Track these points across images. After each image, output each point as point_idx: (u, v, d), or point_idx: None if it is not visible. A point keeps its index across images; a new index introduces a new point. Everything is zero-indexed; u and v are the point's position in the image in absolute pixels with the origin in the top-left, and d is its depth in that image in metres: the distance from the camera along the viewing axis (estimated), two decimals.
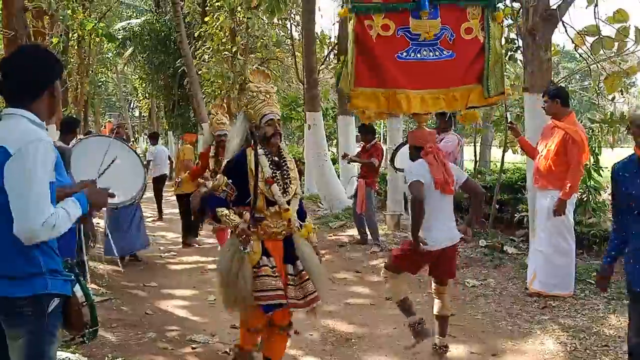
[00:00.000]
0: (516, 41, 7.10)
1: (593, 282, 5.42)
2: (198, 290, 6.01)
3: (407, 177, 3.67)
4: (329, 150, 10.96)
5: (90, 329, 2.33)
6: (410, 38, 3.67)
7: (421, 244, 3.54)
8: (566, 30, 6.31)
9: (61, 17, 10.24)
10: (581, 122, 6.67)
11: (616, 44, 6.06)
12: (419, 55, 3.68)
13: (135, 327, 4.69)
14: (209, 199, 3.36)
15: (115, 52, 25.23)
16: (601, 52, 6.43)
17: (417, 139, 3.76)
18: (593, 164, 6.52)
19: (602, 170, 6.87)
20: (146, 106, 33.69)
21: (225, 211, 3.22)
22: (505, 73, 4.30)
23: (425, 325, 3.83)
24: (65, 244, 2.31)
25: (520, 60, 6.89)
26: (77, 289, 2.31)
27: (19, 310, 2.13)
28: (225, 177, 3.28)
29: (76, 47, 18.74)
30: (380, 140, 10.34)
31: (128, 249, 7.10)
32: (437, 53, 3.72)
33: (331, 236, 8.29)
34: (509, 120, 6.90)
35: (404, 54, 3.68)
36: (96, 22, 11.33)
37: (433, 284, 3.94)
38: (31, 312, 2.13)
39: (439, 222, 3.66)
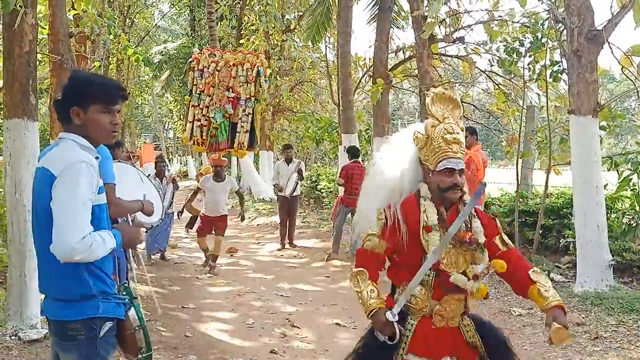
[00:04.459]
0: (560, 63, 6.96)
1: None
2: (236, 313, 5.96)
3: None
4: None
5: (145, 354, 2.30)
6: None
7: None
8: (612, 51, 6.17)
9: (102, 42, 10.55)
10: (627, 143, 6.45)
11: None
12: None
13: (175, 350, 4.67)
14: None
15: (152, 75, 25.84)
16: None
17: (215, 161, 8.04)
18: None
19: None
20: (181, 128, 34.26)
21: None
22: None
23: None
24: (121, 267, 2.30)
25: (565, 81, 6.74)
26: (132, 312, 2.29)
27: (72, 333, 2.13)
28: None
29: (115, 71, 19.28)
30: None
31: (157, 249, 8.46)
32: None
33: None
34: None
35: None
36: (135, 46, 11.68)
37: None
38: (84, 336, 2.13)
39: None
